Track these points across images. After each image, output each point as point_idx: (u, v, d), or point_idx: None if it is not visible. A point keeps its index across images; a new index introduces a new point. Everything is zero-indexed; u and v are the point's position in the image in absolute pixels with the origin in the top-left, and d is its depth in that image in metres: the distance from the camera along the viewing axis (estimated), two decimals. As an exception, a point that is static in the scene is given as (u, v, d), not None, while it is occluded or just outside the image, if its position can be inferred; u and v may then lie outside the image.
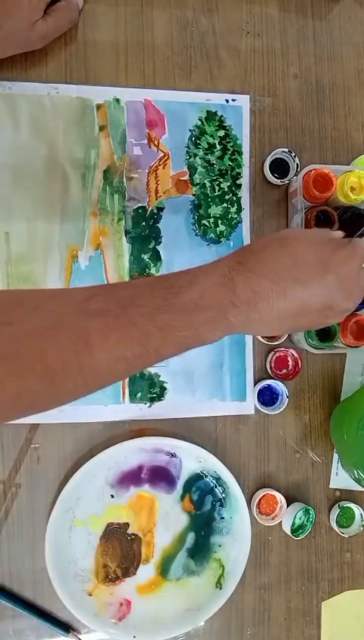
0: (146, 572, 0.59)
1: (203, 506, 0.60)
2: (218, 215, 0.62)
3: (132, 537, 0.59)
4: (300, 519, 0.60)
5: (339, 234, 0.47)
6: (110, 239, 0.60)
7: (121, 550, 0.59)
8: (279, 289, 0.40)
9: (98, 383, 0.39)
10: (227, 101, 0.62)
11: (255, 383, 0.61)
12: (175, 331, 0.38)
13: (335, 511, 0.62)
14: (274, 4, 0.64)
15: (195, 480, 0.60)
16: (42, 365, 0.35)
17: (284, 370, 0.62)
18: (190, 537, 0.60)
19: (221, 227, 0.62)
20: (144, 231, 0.60)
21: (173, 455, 0.60)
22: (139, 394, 0.59)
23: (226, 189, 0.62)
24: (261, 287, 0.40)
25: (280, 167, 0.63)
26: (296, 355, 0.61)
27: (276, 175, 0.62)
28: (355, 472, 0.56)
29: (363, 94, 0.66)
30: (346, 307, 0.44)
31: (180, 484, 0.60)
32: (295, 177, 0.61)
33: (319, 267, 0.42)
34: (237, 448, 0.61)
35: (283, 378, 0.61)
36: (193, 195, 0.61)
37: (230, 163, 0.62)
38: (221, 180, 0.62)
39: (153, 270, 0.60)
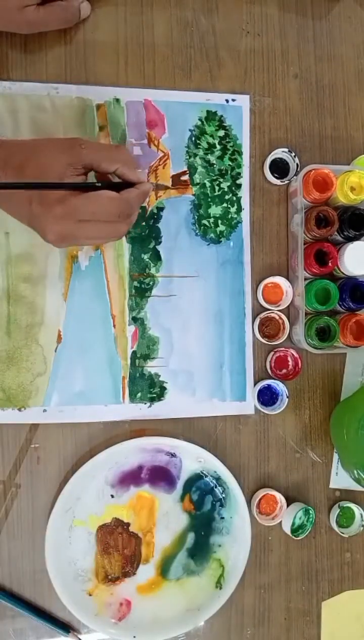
0: (146, 572, 0.59)
1: (203, 506, 0.60)
2: (218, 215, 0.62)
3: (132, 536, 0.59)
4: (299, 519, 0.60)
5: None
6: (110, 239, 0.60)
7: (121, 550, 0.59)
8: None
9: None
10: (227, 101, 0.62)
11: (255, 383, 0.61)
12: None
13: (335, 511, 0.62)
14: (274, 4, 0.64)
15: (195, 480, 0.60)
16: None
17: (284, 370, 0.62)
18: (190, 537, 0.60)
19: (221, 227, 0.62)
20: (144, 231, 0.60)
21: (173, 455, 0.60)
22: (139, 394, 0.59)
23: (226, 189, 0.62)
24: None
25: (280, 167, 0.63)
26: (296, 355, 0.61)
27: (276, 175, 0.62)
28: (355, 472, 0.56)
29: (363, 94, 0.66)
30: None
31: (180, 484, 0.60)
32: (294, 177, 0.61)
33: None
34: (237, 448, 0.61)
35: (283, 378, 0.61)
36: (193, 195, 0.61)
37: (230, 163, 0.62)
38: (221, 180, 0.62)
39: (153, 270, 0.60)
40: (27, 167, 0.47)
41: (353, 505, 0.62)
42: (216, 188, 0.62)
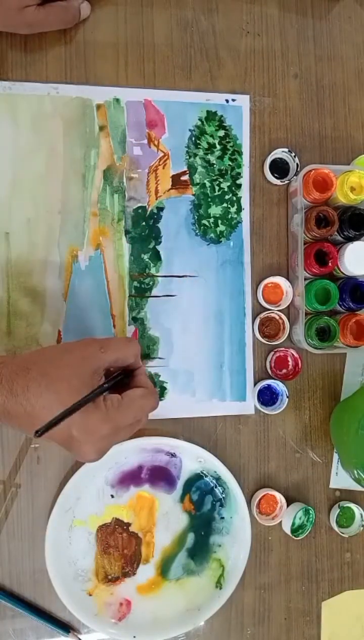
0: (146, 572, 0.59)
1: (203, 506, 0.60)
2: (218, 215, 0.62)
3: (132, 536, 0.59)
4: (300, 519, 0.60)
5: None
6: (110, 239, 0.60)
7: (121, 550, 0.59)
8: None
9: None
10: (227, 101, 0.62)
11: (255, 383, 0.61)
12: None
13: (335, 511, 0.62)
14: (274, 4, 0.64)
15: (195, 480, 0.60)
16: None
17: (284, 370, 0.62)
18: (190, 537, 0.60)
19: (221, 227, 0.62)
20: (144, 231, 0.60)
21: (173, 455, 0.60)
22: (139, 394, 0.59)
23: (226, 189, 0.62)
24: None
25: (280, 167, 0.63)
26: (296, 355, 0.61)
27: (276, 175, 0.62)
28: (355, 472, 0.56)
29: (363, 94, 0.66)
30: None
31: (180, 484, 0.60)
32: (294, 177, 0.61)
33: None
34: (237, 448, 0.61)
35: (283, 378, 0.61)
36: (193, 195, 0.61)
37: (230, 163, 0.62)
38: (221, 180, 0.62)
39: (153, 270, 0.60)
40: (50, 382, 0.43)
41: (353, 505, 0.62)
42: (216, 188, 0.62)
